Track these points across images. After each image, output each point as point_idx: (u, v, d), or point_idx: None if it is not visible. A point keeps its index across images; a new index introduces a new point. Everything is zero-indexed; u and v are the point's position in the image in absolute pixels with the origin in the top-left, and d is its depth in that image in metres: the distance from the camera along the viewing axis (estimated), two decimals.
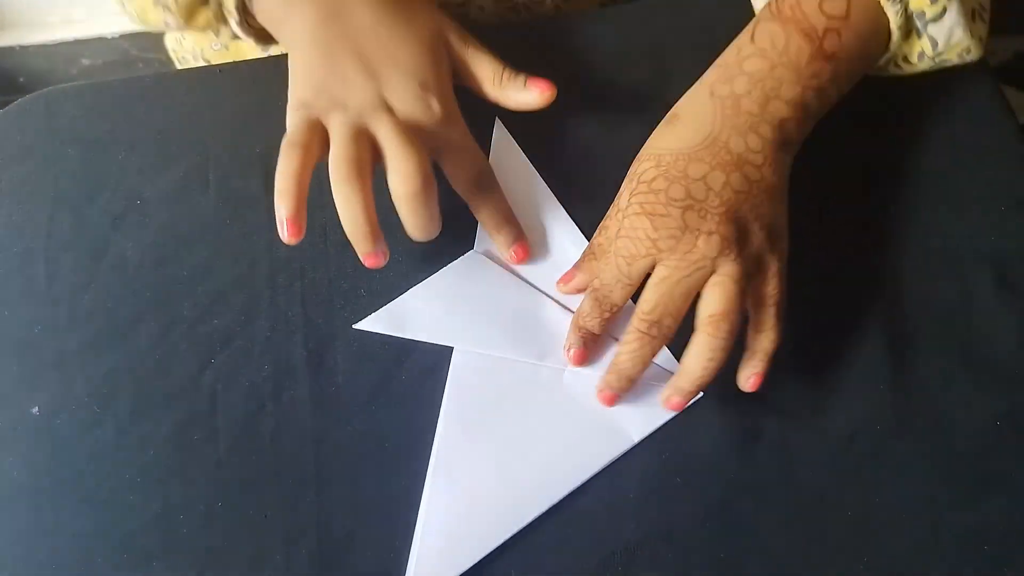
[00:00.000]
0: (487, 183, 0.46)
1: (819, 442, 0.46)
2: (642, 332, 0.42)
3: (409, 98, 0.44)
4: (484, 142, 0.51)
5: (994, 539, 0.44)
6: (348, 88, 0.43)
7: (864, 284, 0.48)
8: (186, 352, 0.48)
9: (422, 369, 0.47)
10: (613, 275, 0.43)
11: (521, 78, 0.47)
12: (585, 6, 0.58)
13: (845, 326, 0.47)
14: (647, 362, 0.43)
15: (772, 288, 0.42)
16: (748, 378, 0.43)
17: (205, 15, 0.45)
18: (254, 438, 0.46)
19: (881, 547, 0.44)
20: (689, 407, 0.44)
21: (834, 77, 0.44)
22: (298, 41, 0.45)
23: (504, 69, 0.47)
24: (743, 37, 0.45)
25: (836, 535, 0.44)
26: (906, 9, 0.44)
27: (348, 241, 0.43)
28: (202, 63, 0.69)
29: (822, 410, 0.46)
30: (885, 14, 0.44)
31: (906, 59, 0.47)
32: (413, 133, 0.42)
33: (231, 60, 0.63)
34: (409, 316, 0.47)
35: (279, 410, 0.47)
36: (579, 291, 0.46)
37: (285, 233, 0.40)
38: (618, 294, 0.43)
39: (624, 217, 0.42)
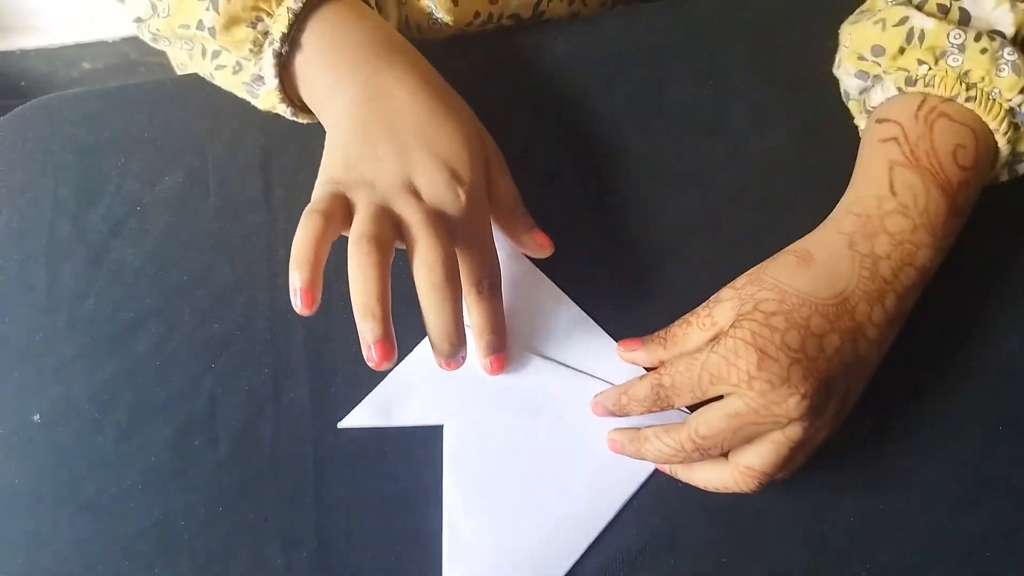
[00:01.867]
0: (492, 288, 0.44)
1: (820, 446, 0.46)
2: (686, 451, 0.41)
3: (438, 185, 0.42)
4: None
5: (995, 544, 0.44)
6: (379, 166, 0.42)
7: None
8: (186, 357, 0.48)
9: None
10: (688, 383, 0.41)
11: (530, 219, 0.46)
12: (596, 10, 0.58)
13: None
14: (672, 463, 0.43)
15: (802, 459, 0.42)
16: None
17: (244, 31, 0.43)
18: (254, 442, 0.46)
19: (882, 552, 0.44)
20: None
21: (956, 232, 0.42)
22: (339, 121, 0.44)
23: (522, 207, 0.46)
24: (879, 185, 0.42)
25: (837, 541, 0.44)
26: (1014, 149, 0.43)
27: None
28: None
29: None
30: (997, 154, 0.43)
31: None
32: (440, 222, 0.41)
33: None
34: (393, 403, 0.46)
35: (279, 413, 0.47)
36: (634, 363, 0.45)
37: (299, 303, 0.37)
38: (683, 401, 0.41)
39: (729, 338, 0.40)
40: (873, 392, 0.45)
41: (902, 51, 0.43)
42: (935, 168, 0.41)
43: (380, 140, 0.42)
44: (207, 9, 0.43)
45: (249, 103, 0.48)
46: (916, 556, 0.44)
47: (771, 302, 0.40)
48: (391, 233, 0.39)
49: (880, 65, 0.44)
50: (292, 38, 0.44)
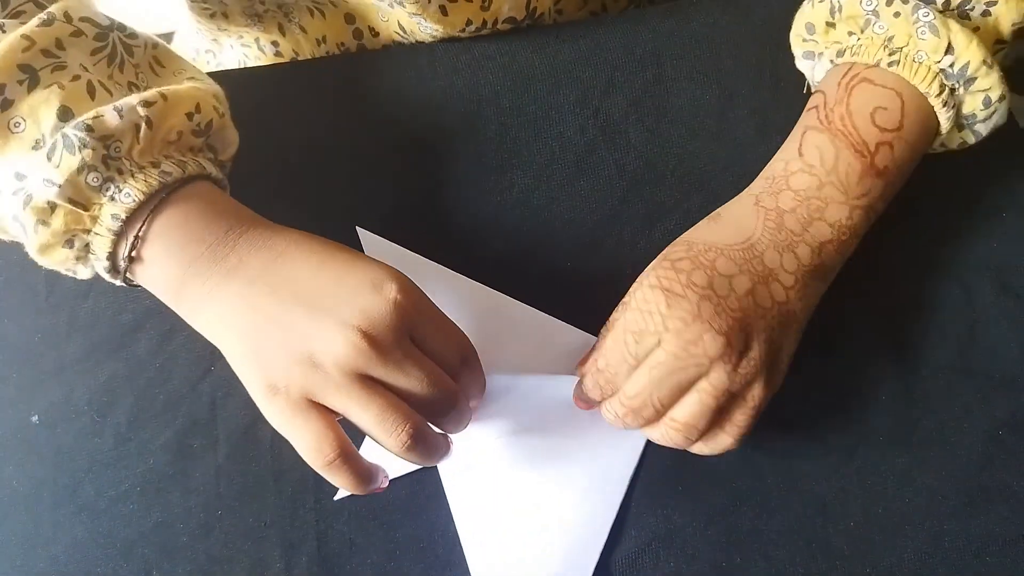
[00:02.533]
0: (466, 361, 0.41)
1: (821, 451, 0.46)
2: (618, 416, 0.40)
3: (369, 306, 0.37)
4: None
5: (995, 549, 0.44)
6: (311, 341, 0.37)
7: (865, 293, 0.47)
8: (185, 360, 0.48)
9: None
10: (619, 355, 0.40)
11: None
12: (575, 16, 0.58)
13: (846, 335, 0.47)
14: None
15: (744, 419, 0.40)
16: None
17: (64, 252, 0.40)
18: (254, 445, 0.46)
19: (883, 556, 0.44)
20: None
21: (884, 192, 0.42)
22: (227, 326, 0.39)
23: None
24: (790, 147, 0.43)
25: (838, 544, 0.44)
26: (958, 112, 0.43)
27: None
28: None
29: (823, 419, 0.46)
30: (935, 116, 0.43)
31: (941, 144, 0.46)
32: (414, 361, 0.38)
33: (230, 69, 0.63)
34: (382, 460, 0.43)
35: None
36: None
37: (376, 489, 0.40)
38: (623, 378, 0.40)
39: (639, 288, 0.40)
40: (873, 396, 0.46)
41: (831, 25, 0.44)
42: (848, 129, 0.42)
43: (291, 316, 0.38)
44: (19, 228, 0.40)
45: (247, 110, 0.47)
46: (916, 561, 0.44)
47: (679, 251, 0.41)
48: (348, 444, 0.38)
49: (818, 42, 0.45)
50: (126, 252, 0.40)
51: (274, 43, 0.59)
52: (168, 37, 0.76)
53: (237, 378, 0.47)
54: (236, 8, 0.56)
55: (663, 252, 0.42)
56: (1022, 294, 0.47)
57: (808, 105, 0.44)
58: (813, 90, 0.45)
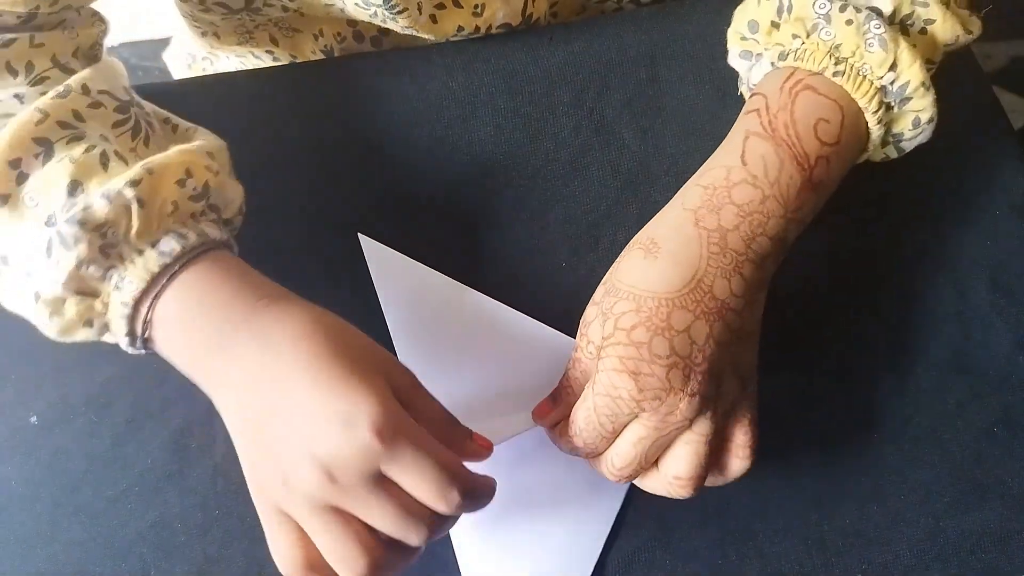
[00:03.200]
0: (464, 492, 0.37)
1: (815, 449, 0.46)
2: (610, 476, 0.41)
3: (343, 447, 0.35)
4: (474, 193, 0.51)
5: (990, 545, 0.44)
6: (287, 467, 0.36)
7: (859, 291, 0.48)
8: None
9: None
10: (595, 432, 0.40)
11: (464, 428, 0.41)
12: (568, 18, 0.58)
13: (840, 333, 0.47)
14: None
15: (745, 436, 0.40)
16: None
17: (85, 332, 0.40)
18: None
19: (878, 554, 0.44)
20: None
21: (814, 206, 0.42)
22: (228, 418, 0.39)
23: (448, 413, 0.40)
24: (731, 152, 0.41)
25: (833, 541, 0.44)
26: (887, 130, 0.43)
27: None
28: (199, 74, 0.69)
29: (818, 417, 0.46)
30: (867, 131, 0.42)
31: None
32: (384, 493, 0.36)
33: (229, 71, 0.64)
34: None
35: None
36: (556, 423, 0.43)
37: None
38: (602, 447, 0.41)
39: (602, 371, 0.38)
40: (867, 393, 0.46)
41: (776, 26, 0.43)
42: (792, 140, 0.40)
43: (273, 438, 0.37)
44: (36, 314, 0.40)
45: (246, 111, 0.47)
46: (912, 558, 0.44)
47: (628, 314, 0.38)
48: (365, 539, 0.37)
49: (759, 42, 0.44)
50: (140, 335, 0.40)
51: (269, 51, 0.59)
52: (166, 41, 0.76)
53: None
54: (227, 28, 0.56)
55: (608, 306, 0.39)
56: (1015, 292, 0.47)
57: (747, 107, 0.43)
58: (750, 92, 0.44)
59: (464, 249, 0.49)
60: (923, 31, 0.42)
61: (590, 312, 0.41)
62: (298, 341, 0.37)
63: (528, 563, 0.44)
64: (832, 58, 0.41)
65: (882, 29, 0.40)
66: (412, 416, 0.37)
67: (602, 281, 0.42)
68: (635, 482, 0.42)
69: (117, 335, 0.40)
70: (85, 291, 0.39)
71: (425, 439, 0.37)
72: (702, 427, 0.39)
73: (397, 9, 0.47)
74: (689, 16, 0.52)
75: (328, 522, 0.36)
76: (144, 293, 0.39)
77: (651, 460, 0.40)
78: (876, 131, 0.42)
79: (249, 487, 0.39)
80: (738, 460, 0.41)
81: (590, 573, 0.44)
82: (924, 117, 0.42)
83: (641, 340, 0.38)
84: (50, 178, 0.39)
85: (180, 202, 0.41)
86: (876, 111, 0.41)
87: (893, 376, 0.46)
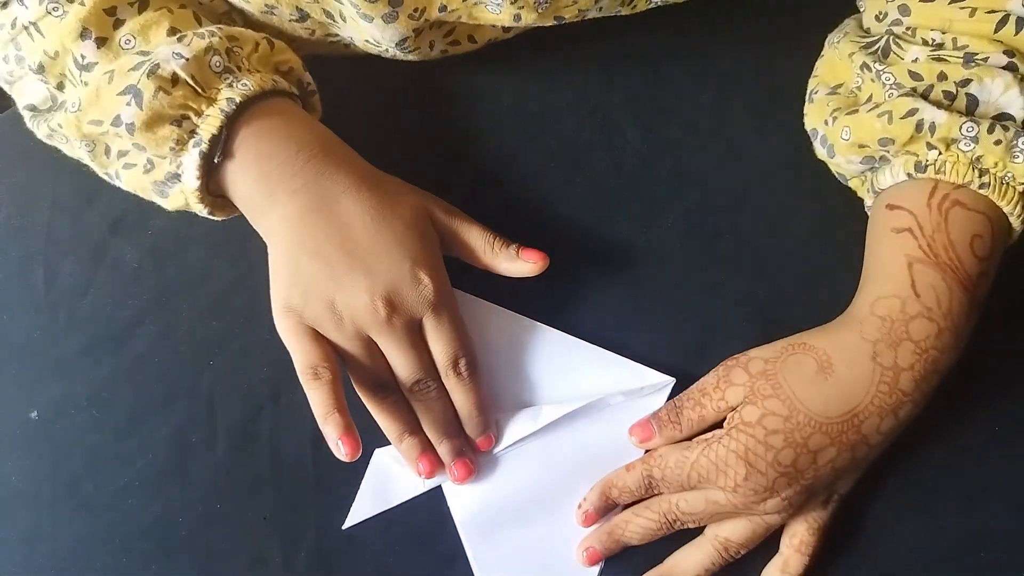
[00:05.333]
0: (469, 366, 0.44)
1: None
2: (668, 522, 0.43)
3: (404, 295, 0.42)
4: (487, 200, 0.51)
5: (992, 546, 0.44)
6: (340, 290, 0.42)
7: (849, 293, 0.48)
8: (185, 355, 0.48)
9: None
10: (678, 479, 0.42)
11: (513, 248, 0.45)
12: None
13: None
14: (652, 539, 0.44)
15: (809, 535, 0.43)
16: None
17: (168, 129, 0.41)
18: (253, 440, 0.46)
19: (879, 552, 0.45)
20: None
21: (975, 323, 0.41)
22: (282, 234, 0.43)
23: (495, 239, 0.46)
24: (899, 280, 0.40)
25: (834, 539, 0.44)
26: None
27: None
28: None
29: None
30: (1010, 233, 0.42)
31: None
32: (413, 341, 0.43)
33: None
34: (387, 485, 0.46)
35: (278, 412, 0.47)
36: (650, 448, 0.45)
37: (343, 452, 0.40)
38: (670, 490, 0.43)
39: (722, 446, 0.41)
40: None
41: (912, 139, 0.41)
42: (955, 264, 0.40)
43: (334, 259, 0.42)
44: (128, 104, 0.40)
45: None
46: (913, 556, 0.44)
47: (776, 417, 0.40)
48: (385, 365, 0.43)
49: (885, 150, 0.42)
50: (223, 140, 0.42)
51: None
52: None
53: (235, 373, 0.47)
54: None
55: (761, 395, 0.41)
56: (1014, 291, 0.47)
57: (894, 223, 0.41)
58: (887, 202, 0.42)
59: None
60: None
61: (738, 376, 0.42)
62: (366, 188, 0.43)
63: (540, 565, 0.45)
64: (976, 170, 0.40)
65: None
66: (456, 227, 0.45)
67: (762, 356, 0.42)
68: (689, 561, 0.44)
69: (203, 135, 0.41)
70: (199, 80, 0.41)
71: (461, 319, 0.45)
72: (773, 520, 0.42)
73: (409, 49, 0.47)
74: (693, 15, 0.52)
75: (360, 347, 0.42)
76: (253, 98, 0.42)
77: (706, 522, 0.43)
78: (1019, 231, 0.42)
79: (276, 305, 0.43)
80: (798, 556, 0.43)
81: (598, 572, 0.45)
82: None
83: (773, 445, 0.40)
84: (148, 24, 0.42)
85: (295, 70, 0.46)
86: (1020, 215, 0.41)
87: None
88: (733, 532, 0.42)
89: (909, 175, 0.41)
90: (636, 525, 0.43)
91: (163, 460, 0.46)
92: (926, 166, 0.41)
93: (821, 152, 0.46)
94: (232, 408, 0.47)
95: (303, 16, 0.45)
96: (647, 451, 0.44)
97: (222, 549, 0.45)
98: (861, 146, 0.43)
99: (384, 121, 0.51)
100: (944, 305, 0.40)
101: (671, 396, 0.45)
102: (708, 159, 0.50)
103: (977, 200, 0.40)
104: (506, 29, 0.50)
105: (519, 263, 0.45)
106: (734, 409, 0.42)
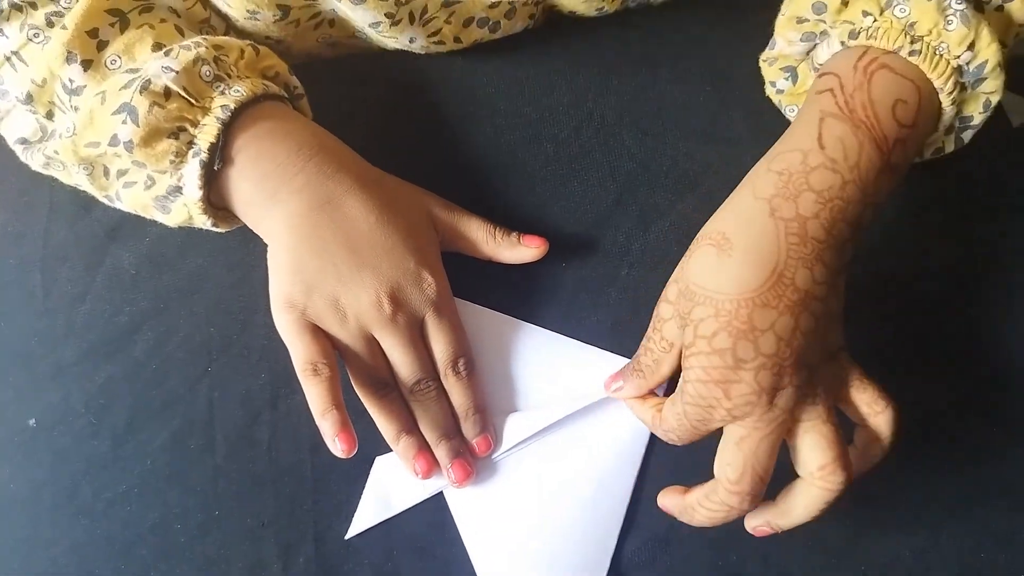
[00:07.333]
0: (467, 366, 0.45)
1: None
2: (732, 506, 0.38)
3: (406, 283, 0.43)
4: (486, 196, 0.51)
5: (992, 544, 0.44)
6: (345, 287, 0.42)
7: (858, 290, 0.48)
8: (182, 361, 0.48)
9: None
10: (687, 431, 0.39)
11: (514, 236, 0.46)
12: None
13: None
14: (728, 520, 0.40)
15: (864, 393, 0.39)
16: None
17: (166, 143, 0.41)
18: (251, 446, 0.46)
19: (879, 553, 0.45)
20: None
21: (889, 191, 0.40)
22: (284, 233, 0.43)
23: (496, 229, 0.46)
24: (806, 135, 0.39)
25: (835, 541, 0.44)
26: (958, 112, 0.41)
27: None
28: None
29: None
30: (939, 114, 0.41)
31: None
32: (415, 339, 0.44)
33: None
34: (389, 492, 0.46)
35: (276, 418, 0.47)
36: (627, 398, 0.44)
37: (340, 448, 0.41)
38: (689, 439, 0.40)
39: (689, 382, 0.38)
40: None
41: (845, 3, 0.41)
42: (871, 121, 0.38)
43: (339, 257, 0.42)
44: (124, 122, 0.40)
45: None
46: (912, 556, 0.44)
47: (708, 321, 0.37)
48: (385, 363, 0.44)
49: (824, 22, 0.42)
50: (220, 147, 0.42)
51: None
52: None
53: (234, 379, 0.47)
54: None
55: (686, 311, 0.38)
56: (1016, 290, 0.48)
57: (818, 87, 0.40)
58: (819, 72, 0.42)
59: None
60: (999, 8, 0.40)
61: (665, 310, 0.40)
62: (368, 187, 0.44)
63: (543, 566, 0.45)
64: (908, 36, 0.39)
65: (963, 6, 0.38)
66: (456, 221, 0.46)
67: (673, 278, 0.40)
68: (795, 512, 0.39)
69: (202, 144, 0.41)
70: (191, 91, 0.41)
71: (459, 320, 0.46)
72: (812, 412, 0.38)
73: (386, 35, 0.47)
74: (689, 17, 0.52)
75: (362, 344, 0.43)
76: (246, 103, 0.42)
77: (765, 464, 0.38)
78: (949, 112, 0.40)
79: (277, 303, 0.43)
80: (879, 416, 0.39)
81: (605, 572, 0.45)
82: (993, 100, 0.40)
83: (724, 347, 0.37)
84: (132, 42, 0.42)
85: (282, 75, 0.46)
86: (951, 92, 0.39)
87: (895, 376, 0.46)
88: (812, 458, 0.38)
89: (842, 43, 0.41)
90: (703, 515, 0.40)
91: (161, 466, 0.46)
92: (859, 32, 0.40)
93: (764, 53, 0.46)
94: (230, 414, 0.47)
95: (285, 12, 0.45)
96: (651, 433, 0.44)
97: (221, 555, 0.45)
98: (799, 20, 0.42)
99: (378, 125, 0.51)
100: (851, 159, 0.38)
101: (666, 394, 0.45)
102: (705, 162, 0.50)
103: (906, 67, 0.39)
104: (492, 30, 0.50)
105: (521, 249, 0.46)
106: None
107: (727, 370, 0.37)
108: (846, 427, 0.40)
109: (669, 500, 0.42)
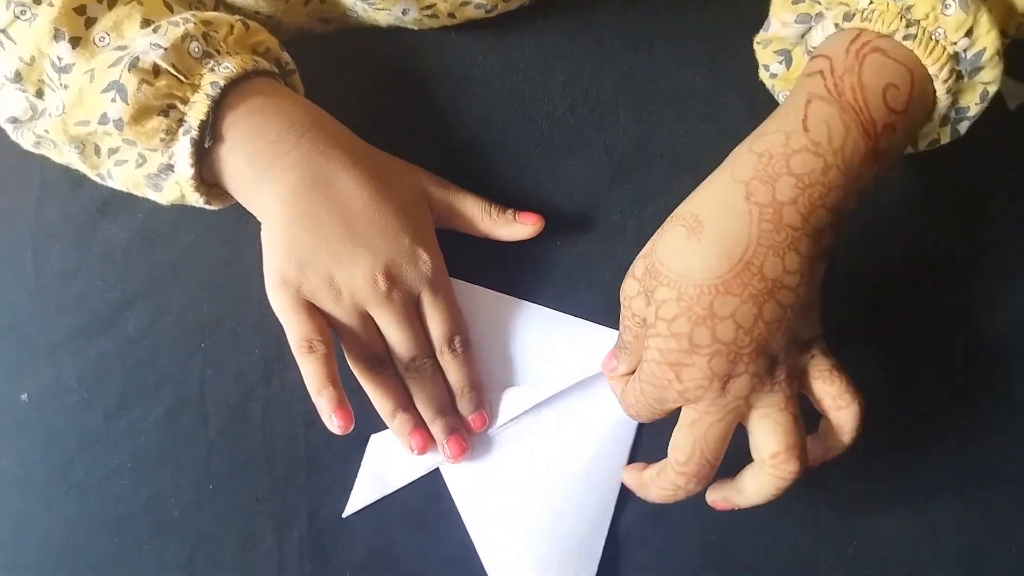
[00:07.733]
0: (463, 343, 0.45)
1: (810, 429, 0.46)
2: (679, 486, 0.39)
3: (402, 260, 0.43)
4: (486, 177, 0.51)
5: (982, 526, 0.45)
6: (340, 264, 0.42)
7: (857, 283, 0.48)
8: (175, 337, 0.48)
9: None
10: (646, 413, 0.40)
11: (509, 213, 0.47)
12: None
13: (838, 322, 0.47)
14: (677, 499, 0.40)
15: (831, 385, 0.39)
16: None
17: (156, 120, 0.41)
18: (245, 422, 0.46)
19: (871, 532, 0.45)
20: None
21: (875, 177, 0.38)
22: (277, 209, 0.43)
23: (491, 206, 0.46)
24: (791, 116, 0.38)
25: (826, 520, 0.45)
26: (954, 102, 0.40)
27: None
28: None
29: (814, 407, 0.46)
30: (933, 102, 0.40)
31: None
32: (411, 316, 0.44)
33: None
34: (386, 470, 0.46)
35: (269, 394, 0.47)
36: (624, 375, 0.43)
37: (336, 424, 0.40)
38: (649, 417, 0.41)
39: (646, 361, 0.38)
40: (865, 381, 0.46)
41: None
42: (859, 105, 0.37)
43: (333, 234, 0.42)
44: (113, 100, 0.40)
45: None
46: (903, 536, 0.45)
47: (669, 303, 0.37)
48: (381, 339, 0.44)
49: (820, 3, 0.41)
50: (211, 124, 0.42)
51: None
52: None
53: (226, 355, 0.47)
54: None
55: (651, 291, 0.38)
56: (1012, 277, 0.48)
57: (808, 69, 0.40)
58: (809, 54, 0.41)
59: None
60: None
61: (631, 286, 0.40)
62: (361, 164, 0.44)
63: (540, 539, 0.45)
64: (904, 20, 0.38)
65: None
66: (451, 199, 0.46)
67: (641, 254, 0.40)
68: (748, 493, 0.39)
69: (192, 121, 0.41)
70: (180, 68, 0.41)
71: (454, 297, 0.46)
72: (770, 399, 0.38)
73: (378, 7, 0.47)
74: (687, 1, 0.52)
75: (357, 322, 0.43)
76: (236, 80, 0.42)
77: (714, 449, 0.38)
78: (944, 101, 0.39)
79: (271, 280, 0.43)
80: (842, 411, 0.39)
81: (599, 553, 0.45)
82: (991, 90, 0.39)
83: (681, 331, 0.37)
84: (120, 19, 0.42)
85: (272, 50, 0.45)
86: (946, 80, 0.38)
87: (887, 366, 0.47)
88: (766, 444, 0.38)
89: (837, 25, 0.40)
90: (655, 492, 0.41)
91: (155, 442, 0.46)
92: (854, 15, 0.39)
93: (759, 35, 0.45)
94: (224, 390, 0.47)
95: None
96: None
97: (214, 531, 0.45)
98: (795, 1, 0.42)
99: (371, 102, 0.51)
100: (835, 142, 0.37)
101: None
102: (701, 142, 0.50)
103: (900, 52, 0.38)
104: (488, 11, 0.49)
105: (516, 226, 0.46)
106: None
107: (681, 353, 0.37)
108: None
109: (629, 476, 0.43)
